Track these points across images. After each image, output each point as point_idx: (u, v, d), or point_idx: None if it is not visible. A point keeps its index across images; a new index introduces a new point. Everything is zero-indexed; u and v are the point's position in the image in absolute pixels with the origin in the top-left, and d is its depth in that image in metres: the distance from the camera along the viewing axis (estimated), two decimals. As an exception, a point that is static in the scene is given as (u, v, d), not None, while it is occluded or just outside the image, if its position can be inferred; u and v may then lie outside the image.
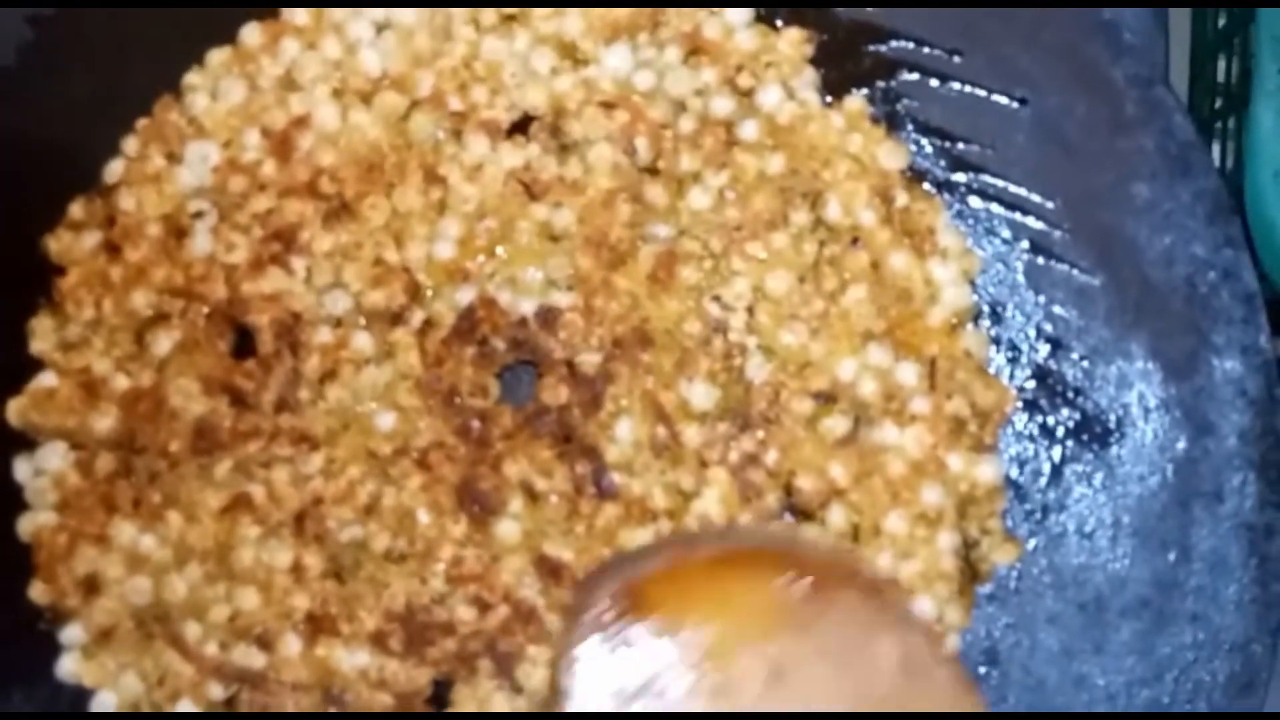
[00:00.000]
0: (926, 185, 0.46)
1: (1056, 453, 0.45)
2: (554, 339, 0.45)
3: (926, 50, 0.46)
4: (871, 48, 0.47)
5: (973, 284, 0.46)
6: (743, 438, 0.44)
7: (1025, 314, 0.46)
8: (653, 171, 0.46)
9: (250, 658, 0.44)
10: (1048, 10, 0.46)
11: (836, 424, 0.44)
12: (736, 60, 0.47)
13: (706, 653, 0.37)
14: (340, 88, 0.47)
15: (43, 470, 0.45)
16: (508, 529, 0.44)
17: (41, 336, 0.45)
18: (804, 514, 0.45)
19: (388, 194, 0.46)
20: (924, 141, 0.47)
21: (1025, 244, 0.46)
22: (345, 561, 0.45)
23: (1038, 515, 0.45)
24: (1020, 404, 0.45)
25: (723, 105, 0.47)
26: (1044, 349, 0.45)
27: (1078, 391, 0.45)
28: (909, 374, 0.45)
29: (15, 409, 0.45)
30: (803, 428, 0.45)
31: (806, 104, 0.47)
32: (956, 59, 0.46)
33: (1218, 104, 0.55)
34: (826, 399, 0.45)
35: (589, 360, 0.45)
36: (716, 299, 0.45)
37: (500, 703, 0.43)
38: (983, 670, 0.45)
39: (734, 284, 0.45)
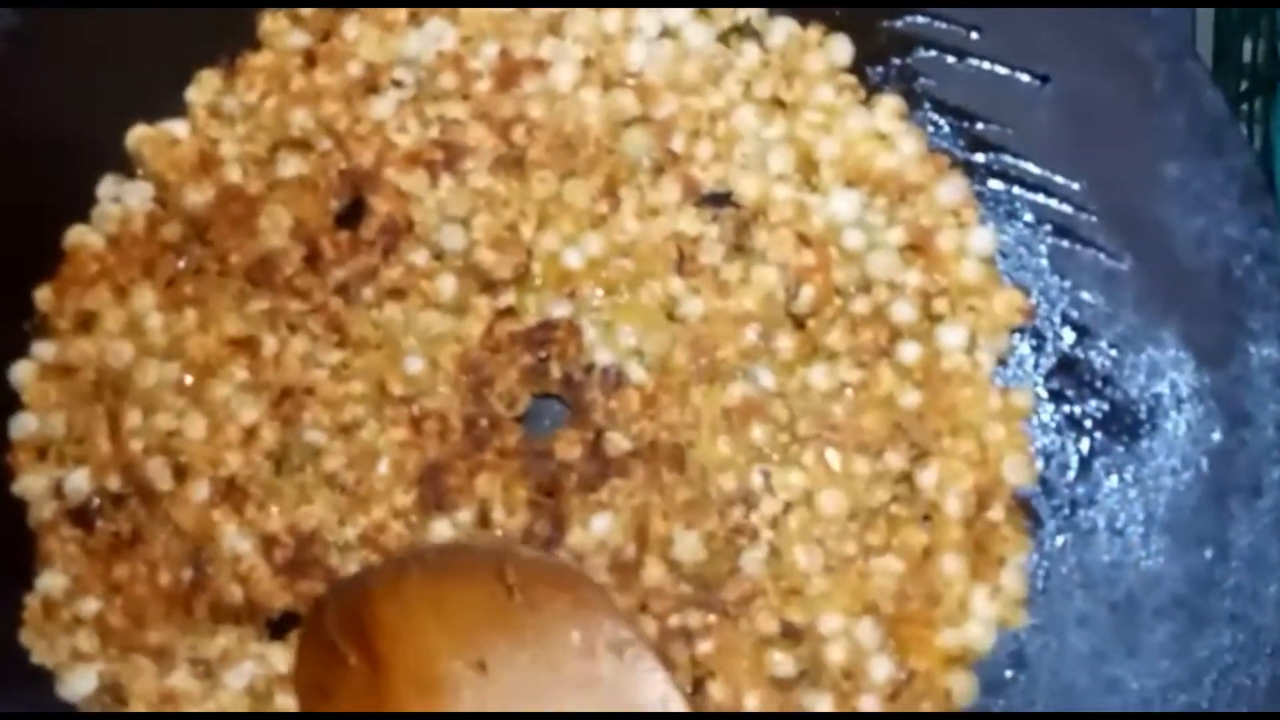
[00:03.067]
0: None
1: (1085, 445, 0.46)
2: (604, 402, 0.45)
3: (944, 26, 0.47)
4: (887, 23, 0.47)
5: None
6: (693, 612, 0.44)
7: (1050, 300, 0.46)
8: (798, 324, 0.46)
9: (160, 477, 0.46)
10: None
11: (783, 664, 0.44)
12: (949, 284, 0.46)
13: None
14: (593, 60, 0.48)
15: (119, 199, 0.47)
16: (442, 531, 0.45)
17: (201, 88, 0.48)
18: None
19: (562, 178, 0.47)
20: (942, 121, 0.47)
21: (1049, 227, 0.47)
22: (292, 457, 0.46)
23: (1065, 511, 0.46)
24: (1045, 394, 0.46)
25: (903, 313, 0.46)
26: (1070, 337, 0.46)
27: (1106, 381, 0.46)
28: (882, 669, 0.43)
29: (137, 135, 0.48)
30: (751, 644, 0.44)
31: (977, 368, 0.45)
32: (975, 35, 0.47)
33: (1243, 86, 0.55)
34: (792, 636, 0.44)
35: (618, 443, 0.45)
36: (766, 474, 0.45)
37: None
38: (1009, 674, 0.45)
39: (790, 474, 0.45)
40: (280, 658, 0.45)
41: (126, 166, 0.48)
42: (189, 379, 0.46)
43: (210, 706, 0.44)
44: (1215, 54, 0.58)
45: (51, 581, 0.46)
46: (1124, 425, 0.46)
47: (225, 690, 0.45)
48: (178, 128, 0.48)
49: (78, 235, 0.48)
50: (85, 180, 0.48)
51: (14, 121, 0.48)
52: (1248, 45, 0.56)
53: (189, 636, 0.45)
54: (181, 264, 0.47)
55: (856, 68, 0.48)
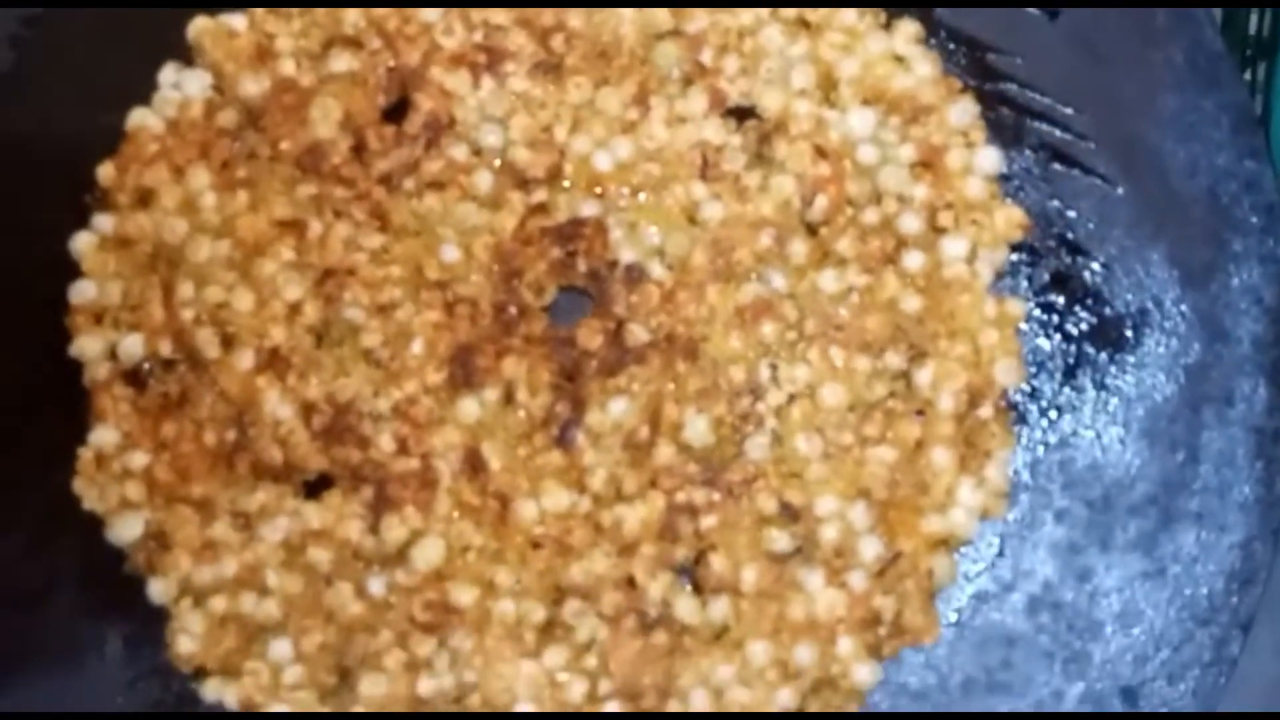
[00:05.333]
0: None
1: (1072, 354, 0.51)
2: (625, 296, 0.50)
3: None
4: None
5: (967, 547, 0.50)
6: (699, 490, 0.49)
7: (1048, 219, 0.52)
8: (811, 230, 0.51)
9: (209, 345, 0.51)
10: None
11: (779, 540, 0.49)
12: (954, 198, 0.51)
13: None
14: (632, -24, 0.53)
15: (179, 86, 0.52)
16: (469, 408, 0.50)
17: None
18: (696, 586, 0.49)
19: (596, 84, 0.52)
20: (956, 49, 0.53)
21: (1051, 152, 0.52)
22: (332, 333, 0.52)
23: (1051, 413, 0.51)
24: (1039, 306, 0.51)
25: (911, 224, 0.51)
26: (1064, 254, 0.52)
27: (1096, 296, 0.51)
28: (871, 549, 0.49)
29: (198, 25, 0.53)
30: (751, 521, 0.49)
31: (976, 277, 0.50)
32: None
33: (1248, 54, 0.60)
34: (790, 515, 0.49)
35: (637, 333, 0.50)
36: (773, 368, 0.50)
37: (351, 530, 0.49)
38: (991, 565, 0.51)
39: (796, 368, 0.50)
40: (314, 515, 0.50)
41: (187, 55, 0.53)
42: (239, 256, 0.51)
43: (248, 557, 0.50)
44: (1222, 26, 0.62)
45: (104, 436, 0.51)
46: (1110, 338, 0.51)
47: (262, 543, 0.50)
48: (236, 21, 0.53)
49: (139, 117, 0.53)
50: (148, 67, 0.53)
51: (85, 13, 0.53)
52: (1254, 17, 0.61)
53: (230, 491, 0.50)
54: (236, 148, 0.52)
55: (879, -7, 0.53)
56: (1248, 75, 0.60)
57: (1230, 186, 0.51)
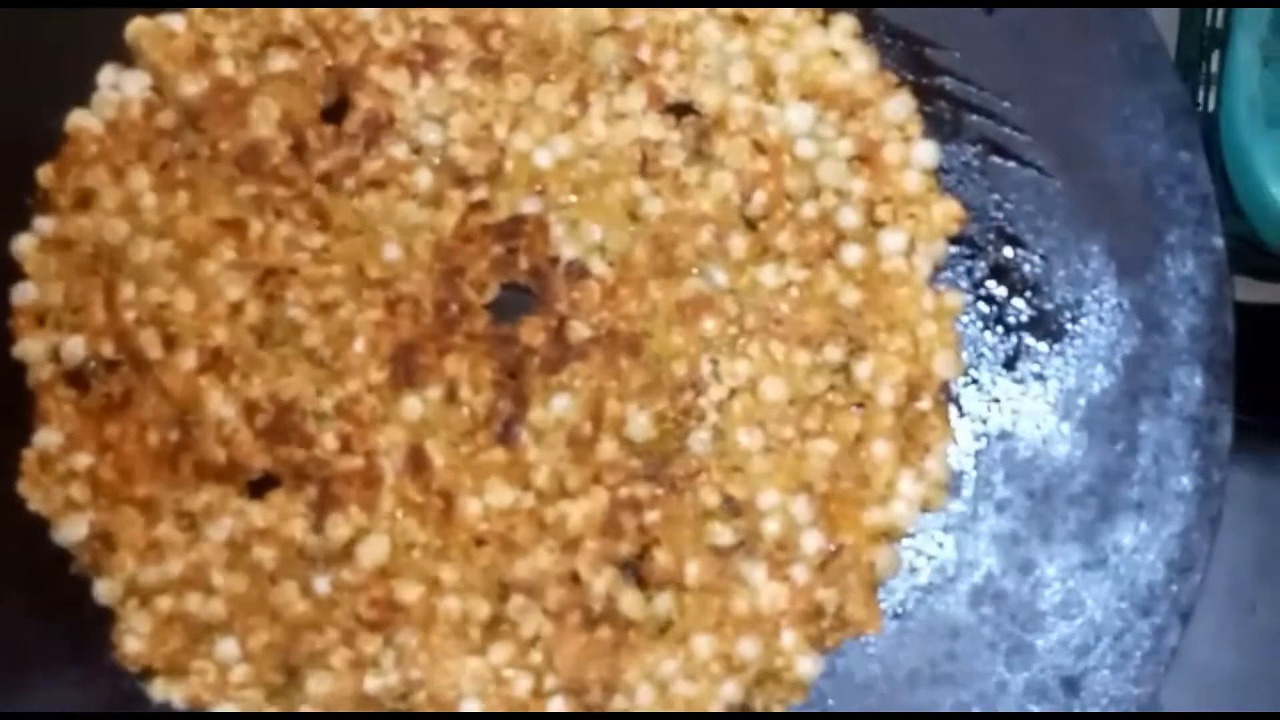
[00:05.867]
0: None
1: (1012, 345, 0.52)
2: (567, 293, 0.51)
3: None
4: None
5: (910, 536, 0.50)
6: (642, 485, 0.50)
7: (986, 213, 0.53)
8: (751, 225, 0.52)
9: (151, 345, 0.51)
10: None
11: (722, 534, 0.50)
12: (892, 192, 0.52)
13: None
14: (569, -27, 0.53)
15: (118, 87, 0.53)
16: (412, 406, 0.51)
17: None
18: (640, 580, 0.49)
19: (535, 82, 0.52)
20: (894, 45, 0.53)
21: (988, 145, 0.53)
22: (275, 332, 0.52)
23: (992, 405, 0.52)
24: (977, 298, 0.52)
25: (849, 219, 0.52)
26: (1003, 246, 0.52)
27: (1034, 288, 0.52)
28: (812, 543, 0.49)
29: (136, 26, 0.53)
30: (694, 515, 0.50)
31: (914, 270, 0.51)
32: None
33: (1204, 46, 0.61)
34: (732, 509, 0.49)
35: (579, 330, 0.51)
36: (714, 363, 0.51)
37: (296, 529, 0.49)
38: (936, 553, 0.51)
39: (737, 363, 0.51)
40: (259, 514, 0.51)
41: (126, 57, 0.53)
42: (180, 256, 0.52)
43: (192, 556, 0.50)
44: (1181, 21, 0.64)
45: (48, 437, 0.51)
46: (1049, 329, 0.52)
47: (207, 542, 0.50)
48: (175, 21, 0.54)
49: (78, 119, 0.53)
50: (87, 68, 0.53)
51: (23, 15, 0.53)
52: (1209, 12, 0.61)
53: (174, 491, 0.51)
54: (175, 149, 0.53)
55: (816, -11, 0.53)
56: (1203, 68, 0.61)
57: (1165, 178, 0.52)
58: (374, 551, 0.50)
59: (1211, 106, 0.59)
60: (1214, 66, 0.59)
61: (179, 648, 0.50)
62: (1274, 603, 0.60)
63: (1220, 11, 0.59)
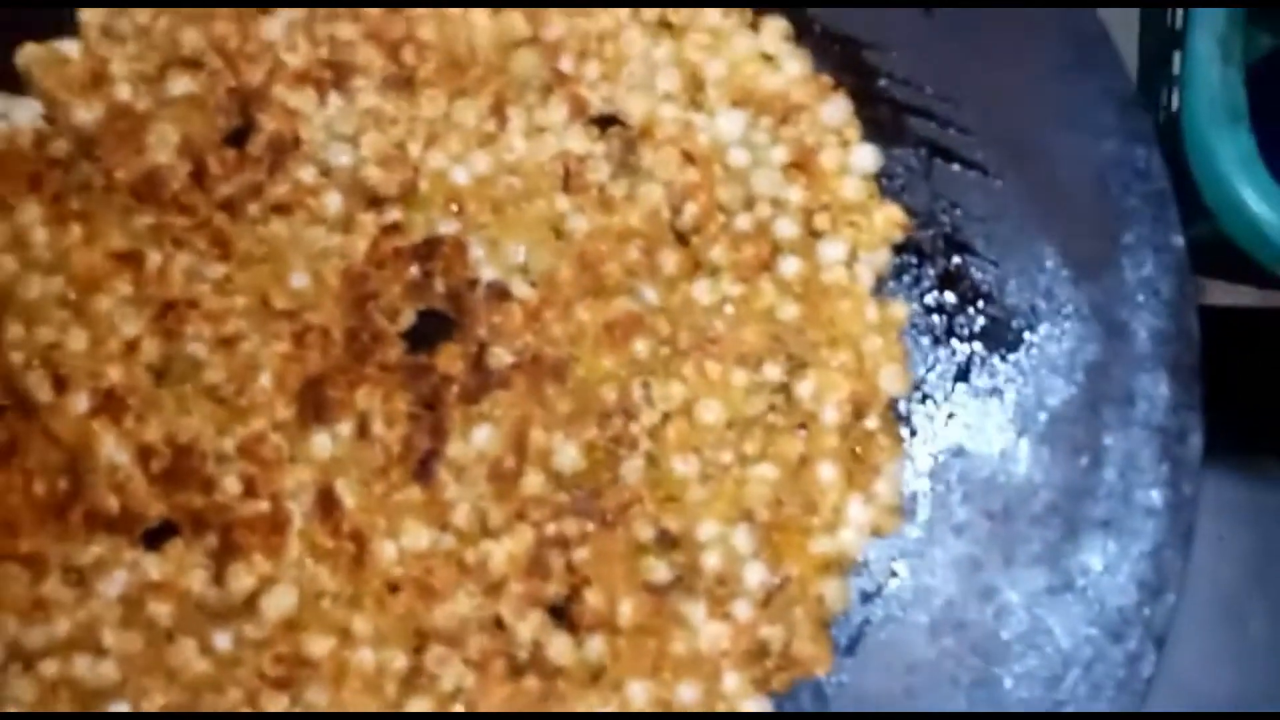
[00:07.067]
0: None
1: (964, 358, 0.49)
2: (488, 317, 0.48)
3: None
4: None
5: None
6: (571, 520, 0.46)
7: (931, 219, 0.49)
8: (682, 240, 0.49)
9: (40, 388, 0.48)
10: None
11: (658, 569, 0.46)
12: (829, 200, 0.49)
13: None
14: (485, -16, 0.51)
15: (6, 116, 0.50)
16: (321, 444, 0.48)
17: (93, 9, 0.50)
18: (569, 624, 0.46)
19: (451, 97, 0.50)
20: (829, 47, 0.51)
21: (930, 148, 0.50)
22: (173, 369, 0.49)
23: (945, 421, 0.48)
24: (926, 307, 0.49)
25: (786, 229, 0.49)
26: (950, 254, 0.49)
27: (985, 297, 0.49)
28: (755, 576, 0.46)
29: (27, 53, 0.50)
30: (628, 550, 0.46)
31: (856, 281, 0.48)
32: None
33: (1166, 48, 0.57)
34: (668, 542, 0.46)
35: (500, 356, 0.48)
36: (646, 386, 0.47)
37: (195, 581, 0.46)
38: (890, 582, 0.48)
39: (670, 385, 0.47)
40: (154, 567, 0.47)
41: (15, 84, 0.51)
42: (72, 292, 0.49)
43: (81, 615, 0.46)
44: (1142, 22, 0.61)
45: (-74, 491, 0.47)
46: (1003, 338, 0.49)
47: (98, 599, 0.46)
48: (69, 47, 0.51)
49: (-37, 151, 0.50)
50: (-28, 97, 0.51)
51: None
52: (1169, 13, 0.60)
53: (62, 545, 0.47)
54: (68, 179, 0.50)
55: (744, -8, 0.51)
56: (1166, 69, 0.59)
57: (1119, 175, 0.49)
58: (280, 603, 0.46)
59: (1175, 107, 0.56)
60: (1175, 68, 0.57)
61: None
62: (1267, 616, 0.56)
63: (1180, 12, 0.58)
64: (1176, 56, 0.56)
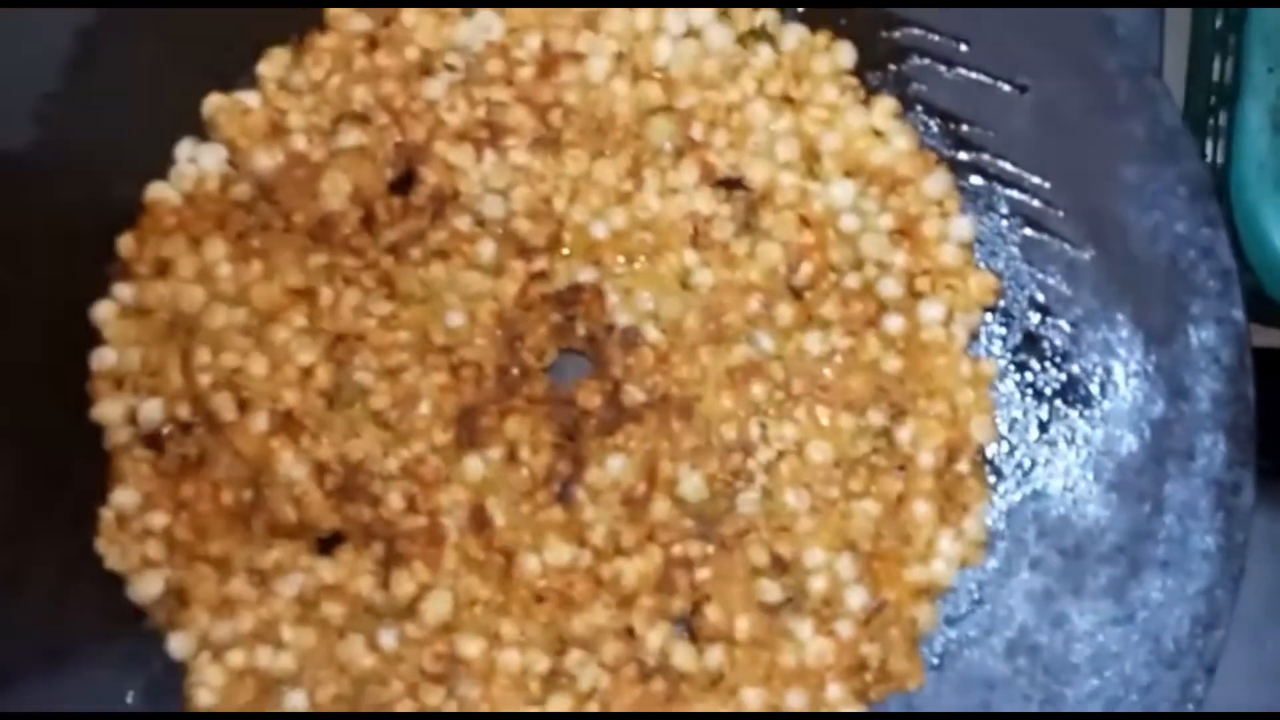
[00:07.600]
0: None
1: (1044, 411, 0.55)
2: (622, 358, 0.54)
3: (935, 38, 0.57)
4: (885, 34, 0.57)
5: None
6: (694, 543, 0.52)
7: (1019, 284, 0.56)
8: (797, 295, 0.55)
9: (225, 408, 0.54)
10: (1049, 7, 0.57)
11: (770, 590, 0.52)
12: (930, 264, 0.55)
13: None
14: (624, 54, 0.56)
15: (195, 160, 0.56)
16: (474, 466, 0.54)
17: (271, 63, 0.56)
18: (692, 635, 0.52)
19: (593, 157, 0.55)
20: (931, 122, 0.57)
21: (1021, 219, 0.56)
22: (343, 395, 0.55)
23: (1024, 467, 0.55)
24: (1011, 365, 0.55)
25: (890, 289, 0.55)
26: (1035, 316, 0.55)
27: (1065, 356, 0.55)
28: (857, 598, 0.52)
29: (213, 103, 0.56)
30: (744, 573, 0.52)
31: (952, 339, 0.54)
32: (963, 47, 0.57)
33: (1212, 101, 0.63)
34: (780, 567, 0.52)
35: (633, 394, 0.54)
36: (762, 426, 0.53)
37: (363, 585, 0.52)
38: (969, 607, 0.54)
39: (784, 426, 0.53)
40: (327, 571, 0.53)
41: (202, 131, 0.56)
42: (254, 323, 0.55)
43: (263, 611, 0.53)
44: (1188, 71, 0.67)
45: (125, 497, 0.54)
46: (1079, 395, 0.55)
47: (277, 598, 0.53)
48: (250, 98, 0.57)
49: (157, 191, 0.56)
50: (165, 143, 0.56)
51: (105, 90, 0.56)
52: (1217, 64, 0.65)
53: (246, 549, 0.53)
54: (250, 220, 0.55)
55: (858, 71, 0.57)
56: (1211, 122, 0.64)
57: (1189, 253, 0.55)
58: (438, 607, 0.52)
59: (1220, 159, 0.62)
60: (1221, 121, 0.62)
61: (249, 701, 0.53)
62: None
63: (1229, 67, 0.62)
64: (1223, 114, 0.62)
